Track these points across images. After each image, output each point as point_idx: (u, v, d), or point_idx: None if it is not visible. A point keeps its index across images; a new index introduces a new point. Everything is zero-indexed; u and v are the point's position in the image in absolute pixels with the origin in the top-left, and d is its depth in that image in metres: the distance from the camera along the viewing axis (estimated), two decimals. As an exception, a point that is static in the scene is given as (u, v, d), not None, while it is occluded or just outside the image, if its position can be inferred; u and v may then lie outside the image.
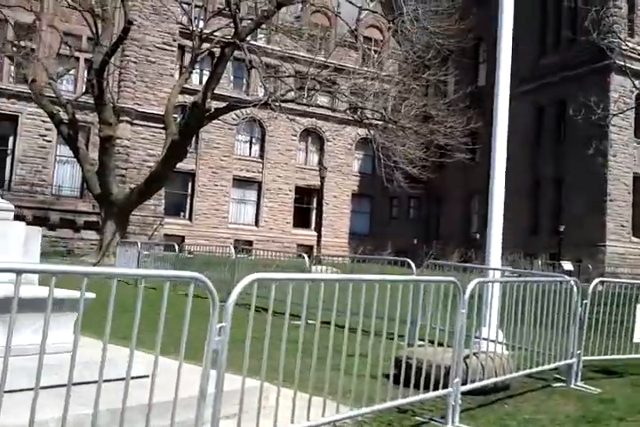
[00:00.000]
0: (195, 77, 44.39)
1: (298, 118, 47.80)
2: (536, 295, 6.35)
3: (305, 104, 24.04)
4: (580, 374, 6.38)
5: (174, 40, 38.85)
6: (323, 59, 24.45)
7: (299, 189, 50.23)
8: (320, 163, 50.92)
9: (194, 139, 45.81)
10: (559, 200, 38.23)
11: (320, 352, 6.49)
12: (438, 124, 21.80)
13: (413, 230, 49.57)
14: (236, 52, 26.23)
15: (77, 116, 25.01)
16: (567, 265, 29.37)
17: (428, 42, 22.54)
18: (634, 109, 36.01)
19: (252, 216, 48.51)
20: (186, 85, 33.84)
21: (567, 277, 6.39)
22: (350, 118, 27.16)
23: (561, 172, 37.69)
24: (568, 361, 6.32)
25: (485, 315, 7.15)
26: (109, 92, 31.72)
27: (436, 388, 5.15)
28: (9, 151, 35.22)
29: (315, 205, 50.97)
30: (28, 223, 21.50)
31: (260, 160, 48.58)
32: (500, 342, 6.48)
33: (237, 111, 39.57)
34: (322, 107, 31.83)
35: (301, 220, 50.08)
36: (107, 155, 23.25)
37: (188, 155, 45.03)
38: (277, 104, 21.14)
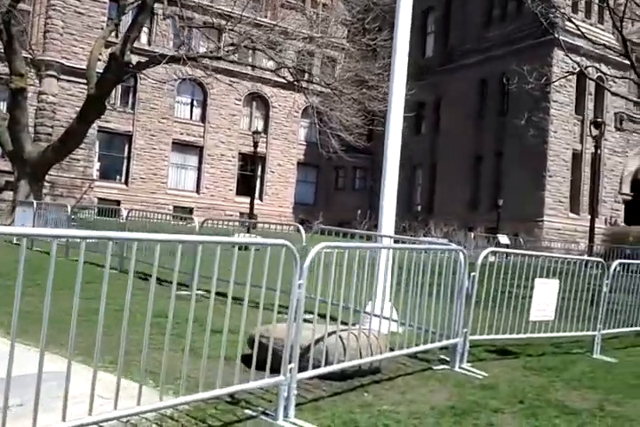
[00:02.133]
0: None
1: (242, 82, 46.39)
2: (422, 266, 5.55)
3: (223, 59, 22.55)
4: (465, 355, 5.65)
5: (106, -10, 36.39)
6: (249, 15, 23.05)
7: (243, 156, 48.75)
8: (265, 129, 49.51)
9: (130, 98, 43.81)
10: (499, 175, 38.15)
11: (180, 327, 5.59)
12: (373, 90, 20.84)
13: (358, 201, 48.98)
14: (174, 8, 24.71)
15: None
16: (503, 238, 29.23)
17: (367, 4, 21.40)
18: (574, 87, 36.00)
19: (193, 182, 46.88)
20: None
21: (454, 246, 5.60)
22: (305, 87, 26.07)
23: (502, 146, 37.52)
24: (452, 341, 5.58)
25: (375, 287, 6.37)
26: (25, 41, 29.55)
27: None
28: None
29: (259, 173, 49.67)
30: None
31: (201, 124, 46.76)
32: (385, 318, 5.69)
33: (177, 71, 37.72)
34: (261, 68, 30.38)
35: (245, 188, 48.81)
36: (19, 108, 21.45)
37: (125, 115, 43.20)
38: (197, 60, 19.73)
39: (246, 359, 4.31)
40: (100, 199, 41.32)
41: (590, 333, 6.89)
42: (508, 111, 37.32)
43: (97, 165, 42.87)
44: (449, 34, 45.30)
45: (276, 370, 4.12)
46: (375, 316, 5.60)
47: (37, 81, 34.74)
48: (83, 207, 24.30)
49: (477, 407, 4.39)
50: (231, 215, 45.17)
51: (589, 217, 30.01)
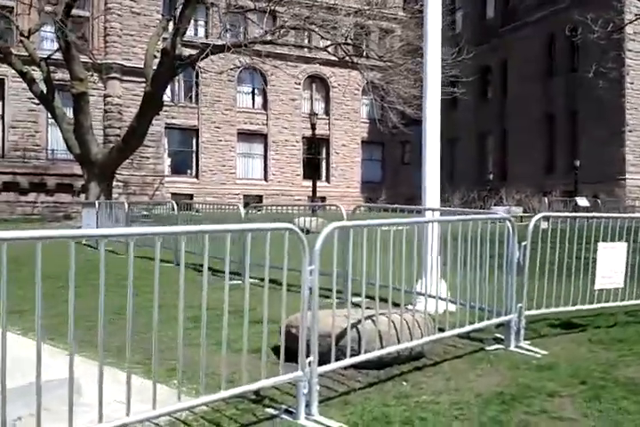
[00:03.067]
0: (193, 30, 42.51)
1: (300, 65, 46.09)
2: (469, 238, 5.11)
3: (274, 43, 22.25)
4: (522, 332, 5.16)
5: (158, -12, 36.82)
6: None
7: (307, 140, 48.66)
8: (326, 111, 49.16)
9: (194, 93, 44.52)
10: (575, 134, 36.10)
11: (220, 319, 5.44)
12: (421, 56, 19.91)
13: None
14: None
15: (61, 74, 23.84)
16: (582, 201, 27.71)
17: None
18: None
19: (261, 170, 47.28)
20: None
21: (503, 215, 5.10)
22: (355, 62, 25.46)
23: (575, 104, 35.42)
24: (506, 317, 5.11)
25: (425, 264, 5.98)
26: (86, 46, 30.40)
27: (322, 363, 4.03)
28: (-1, 117, 34.37)
29: (324, 155, 49.48)
30: (24, 190, 20.43)
31: (263, 112, 46.96)
32: (431, 297, 5.30)
33: (236, 62, 37.88)
34: (316, 48, 29.87)
35: (311, 171, 48.78)
36: (82, 112, 22.08)
37: (189, 110, 43.97)
38: (247, 46, 19.54)
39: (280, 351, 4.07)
40: (173, 194, 42.40)
41: (668, 298, 6.21)
42: (579, 67, 35.12)
43: (167, 160, 43.98)
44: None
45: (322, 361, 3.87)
46: (422, 295, 5.23)
47: (102, 84, 35.81)
48: (157, 203, 24.87)
49: (531, 392, 3.95)
50: (299, 200, 45.28)
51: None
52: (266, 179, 47.26)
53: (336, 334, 4.26)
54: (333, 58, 28.56)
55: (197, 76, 43.77)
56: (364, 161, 51.16)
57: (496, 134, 42.86)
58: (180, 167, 44.68)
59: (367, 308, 4.54)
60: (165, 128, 42.54)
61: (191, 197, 42.97)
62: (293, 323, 4.59)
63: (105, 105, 35.69)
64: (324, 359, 4.06)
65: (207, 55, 20.21)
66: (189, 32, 40.65)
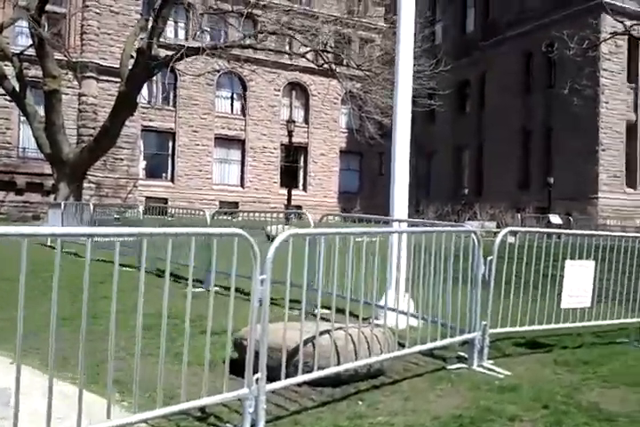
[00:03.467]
0: (169, 30, 42.13)
1: (280, 71, 46.01)
2: (433, 251, 4.93)
3: (253, 48, 22.07)
4: (485, 351, 4.98)
5: (138, -13, 36.44)
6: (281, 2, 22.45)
7: (285, 147, 48.48)
8: (305, 119, 49.10)
9: (172, 96, 44.08)
10: (550, 151, 36.49)
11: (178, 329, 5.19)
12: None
13: (403, 187, 47.95)
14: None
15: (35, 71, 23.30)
16: (555, 218, 27.92)
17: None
18: (626, 53, 33.91)
19: (237, 176, 46.92)
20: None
21: (468, 228, 4.95)
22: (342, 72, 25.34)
23: (551, 121, 35.83)
24: (469, 335, 4.93)
25: (389, 276, 5.79)
26: (63, 44, 29.86)
27: (275, 379, 3.81)
28: (-32, 113, 33.49)
29: (302, 163, 49.35)
30: None
31: (242, 117, 46.67)
32: (391, 310, 5.11)
33: (215, 65, 37.64)
34: (294, 54, 29.75)
35: (288, 179, 48.58)
36: (54, 111, 21.59)
37: (167, 113, 43.50)
38: (224, 49, 19.33)
39: (234, 365, 3.85)
40: (147, 198, 41.82)
41: (637, 319, 6.10)
42: (556, 83, 35.59)
43: (142, 163, 43.39)
44: (489, 6, 43.56)
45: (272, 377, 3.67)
46: (385, 309, 5.04)
47: (77, 83, 35.21)
48: (127, 206, 24.44)
49: (491, 415, 3.76)
50: (275, 207, 45.01)
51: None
52: (242, 185, 46.95)
53: (290, 349, 4.04)
54: (313, 66, 28.67)
55: (176, 79, 43.41)
56: (342, 171, 51.13)
57: (472, 148, 43.16)
58: (155, 171, 44.14)
59: (326, 320, 4.33)
60: (142, 130, 42.00)
61: (166, 201, 42.40)
62: (245, 335, 4.36)
63: (80, 104, 35.09)
64: (276, 375, 3.84)
65: (182, 57, 19.95)
66: (170, 34, 40.45)
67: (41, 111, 22.93)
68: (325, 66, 21.26)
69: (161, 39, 26.22)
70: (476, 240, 4.84)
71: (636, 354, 5.61)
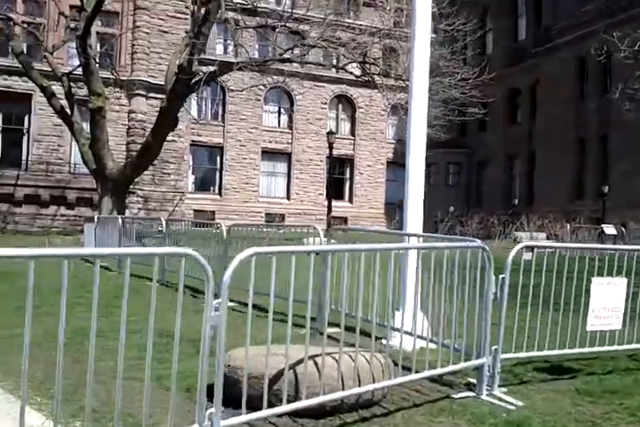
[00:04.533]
0: (219, 47, 42.92)
1: (327, 85, 46.07)
2: (440, 268, 4.54)
3: (290, 61, 21.97)
4: (497, 378, 4.52)
5: (187, 7, 37.10)
6: (319, 16, 22.40)
7: (331, 159, 48.37)
8: (352, 131, 48.95)
9: (220, 112, 44.69)
10: (605, 159, 35.02)
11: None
12: (448, 77, 19.45)
13: (452, 198, 47.01)
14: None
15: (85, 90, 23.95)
16: (609, 229, 26.61)
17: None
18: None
19: (284, 189, 47.07)
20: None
21: (477, 243, 4.51)
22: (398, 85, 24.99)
23: (607, 128, 34.40)
24: (478, 361, 4.48)
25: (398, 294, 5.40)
26: (114, 63, 30.68)
27: (255, 408, 3.50)
28: (24, 131, 34.84)
29: (348, 175, 49.18)
30: (45, 203, 20.46)
31: (289, 131, 46.91)
32: (396, 330, 4.73)
33: (264, 81, 37.99)
34: (335, 67, 29.63)
35: (334, 191, 48.40)
36: (98, 127, 22.05)
37: (215, 127, 44.10)
38: (264, 64, 19.29)
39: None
40: (195, 211, 42.40)
41: (677, 343, 5.49)
42: (611, 90, 34.20)
43: (191, 177, 44.09)
44: (542, 13, 42.45)
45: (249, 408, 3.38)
46: (389, 329, 4.66)
47: (127, 100, 36.13)
48: (174, 220, 24.66)
49: (488, 456, 3.33)
50: (321, 219, 44.85)
51: None
52: (288, 198, 47.06)
53: (272, 376, 3.72)
54: (360, 78, 28.38)
55: (224, 95, 44.08)
56: (389, 182, 50.66)
57: (524, 158, 41.95)
58: (203, 184, 44.77)
59: (335, 340, 3.99)
60: (191, 145, 42.75)
61: (213, 213, 42.91)
62: (227, 360, 4.06)
63: (129, 121, 35.96)
64: (255, 405, 3.53)
65: (217, 73, 20.00)
66: (218, 51, 41.11)
67: (87, 128, 23.50)
68: (365, 77, 20.97)
69: (208, 55, 26.68)
70: (486, 257, 4.40)
71: (674, 382, 5.00)
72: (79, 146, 23.51)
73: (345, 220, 46.06)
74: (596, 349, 5.02)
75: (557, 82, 38.09)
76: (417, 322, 4.97)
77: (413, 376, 4.20)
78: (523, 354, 4.70)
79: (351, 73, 22.54)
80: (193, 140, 43.31)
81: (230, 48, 44.95)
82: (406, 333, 4.99)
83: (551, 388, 4.68)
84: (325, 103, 47.52)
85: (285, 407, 3.58)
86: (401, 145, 49.15)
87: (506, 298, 4.42)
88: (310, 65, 40.67)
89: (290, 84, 45.13)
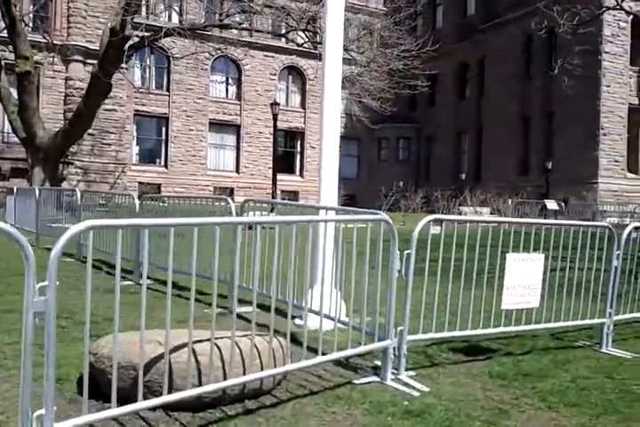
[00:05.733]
0: (166, 14, 41.14)
1: (276, 55, 45.01)
2: (345, 243, 4.14)
3: (225, 27, 21.06)
4: (403, 362, 4.18)
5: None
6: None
7: (282, 133, 47.65)
8: (302, 104, 48.20)
9: (164, 80, 43.15)
10: (550, 136, 35.43)
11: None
12: (391, 48, 19.00)
13: (402, 173, 47.02)
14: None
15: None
16: (551, 204, 27.05)
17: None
18: (629, 36, 32.65)
19: (233, 162, 46.16)
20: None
21: (381, 216, 4.12)
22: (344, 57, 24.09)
23: (551, 105, 34.71)
24: (381, 343, 4.12)
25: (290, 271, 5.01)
26: (49, 27, 28.98)
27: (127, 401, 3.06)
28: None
29: (299, 148, 48.56)
30: None
31: (237, 102, 45.80)
32: (314, 313, 4.35)
33: (210, 49, 36.75)
34: (277, 35, 28.69)
35: (285, 165, 47.77)
36: (27, 93, 20.81)
37: (160, 97, 42.60)
38: (197, 30, 18.38)
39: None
40: (140, 183, 41.20)
41: (597, 320, 5.28)
42: (561, 70, 34.35)
43: (136, 148, 42.69)
44: (490, -12, 42.22)
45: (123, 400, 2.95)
46: (296, 307, 4.26)
47: (64, 67, 34.40)
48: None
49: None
50: (270, 193, 44.32)
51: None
52: (238, 171, 46.21)
53: (143, 366, 3.27)
54: (302, 47, 27.65)
55: (169, 64, 42.60)
56: (340, 156, 50.18)
57: (472, 133, 42.12)
58: (148, 156, 43.47)
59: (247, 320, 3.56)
60: (135, 115, 41.25)
61: (159, 186, 41.80)
62: (97, 348, 3.59)
63: (66, 88, 34.29)
64: (127, 397, 3.09)
65: (156, 38, 19.02)
66: (164, 18, 39.43)
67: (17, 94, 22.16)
68: (306, 46, 20.30)
69: (151, 21, 25.39)
70: (390, 231, 4.02)
71: (593, 362, 4.79)
72: (7, 113, 22.23)
73: (296, 193, 45.65)
74: (512, 328, 4.74)
75: (504, 58, 38.11)
76: (326, 300, 4.59)
77: (311, 361, 3.81)
78: (431, 335, 4.37)
79: (292, 40, 21.79)
80: (137, 110, 41.84)
81: (176, 16, 43.34)
82: (312, 311, 4.62)
83: (463, 371, 4.39)
84: (275, 74, 46.53)
85: (154, 401, 3.15)
86: (351, 120, 48.77)
87: (412, 275, 4.06)
88: (259, 33, 39.57)
89: (237, 53, 44.00)
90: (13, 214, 12.46)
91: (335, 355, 3.97)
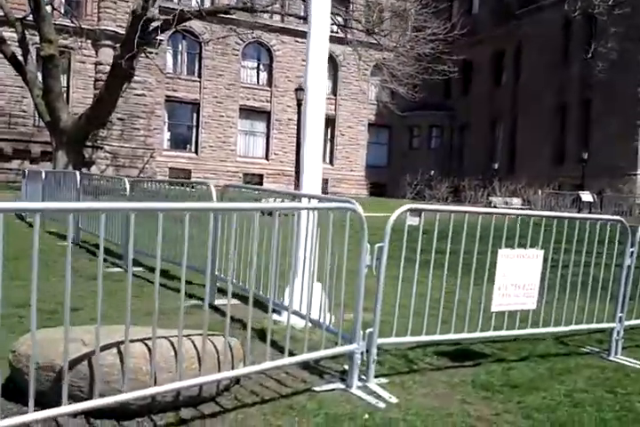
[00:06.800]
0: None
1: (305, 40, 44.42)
2: (317, 234, 3.71)
3: (250, 11, 20.56)
4: (372, 368, 3.73)
5: (159, -48, 35.03)
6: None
7: (314, 120, 47.05)
8: (334, 90, 47.56)
9: (196, 66, 43.03)
10: (587, 125, 34.09)
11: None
12: (417, 32, 18.28)
13: (434, 162, 46.05)
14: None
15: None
16: (586, 196, 26.02)
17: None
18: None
19: (262, 149, 45.96)
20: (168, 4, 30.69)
21: (348, 205, 3.66)
22: (371, 42, 23.45)
23: (589, 93, 33.36)
24: (347, 347, 3.69)
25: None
26: (80, 11, 28.97)
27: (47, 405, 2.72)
28: (-16, 80, 33.18)
29: (329, 136, 48.05)
30: (8, 156, 19.26)
31: (268, 88, 45.48)
32: (298, 314, 3.95)
33: (240, 34, 36.40)
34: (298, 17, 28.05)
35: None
36: (51, 77, 20.76)
37: (191, 83, 42.51)
38: (216, 13, 17.99)
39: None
40: (170, 169, 41.34)
41: (606, 324, 4.74)
42: (596, 53, 33.00)
43: (167, 134, 42.80)
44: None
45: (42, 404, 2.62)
46: (251, 304, 3.85)
47: (94, 52, 34.48)
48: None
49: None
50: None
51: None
52: (267, 158, 46.01)
53: (65, 367, 2.91)
54: (342, 36, 26.85)
55: (201, 49, 42.50)
56: (370, 144, 49.61)
57: (507, 122, 40.91)
58: (179, 142, 43.60)
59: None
60: (166, 101, 41.28)
61: (189, 172, 41.88)
62: (16, 345, 3.24)
63: (96, 73, 34.36)
64: (49, 402, 2.75)
65: (180, 21, 18.68)
66: (194, 2, 39.20)
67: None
68: (338, 31, 19.71)
69: (180, 6, 25.05)
70: (360, 221, 3.56)
71: (595, 373, 4.27)
72: (33, 97, 22.26)
73: (325, 181, 45.24)
74: (502, 333, 4.24)
75: (541, 45, 36.76)
76: (299, 295, 4.17)
77: (264, 365, 3.40)
78: (406, 339, 3.91)
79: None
80: (168, 96, 41.87)
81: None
82: (283, 307, 4.22)
83: (444, 379, 3.92)
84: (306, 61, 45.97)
85: (73, 407, 2.79)
86: (383, 107, 47.90)
87: (383, 272, 3.60)
88: (291, 19, 38.99)
89: (269, 39, 43.50)
90: (25, 196, 12.36)
91: (295, 358, 3.56)
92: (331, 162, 48.13)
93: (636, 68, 30.63)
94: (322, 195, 4.71)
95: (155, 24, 19.57)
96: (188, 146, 43.91)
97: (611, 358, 4.65)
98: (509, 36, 40.39)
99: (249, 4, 19.87)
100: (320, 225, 4.16)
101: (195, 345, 3.16)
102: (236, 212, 3.76)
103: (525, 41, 38.96)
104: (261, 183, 42.82)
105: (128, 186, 7.00)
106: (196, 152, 43.73)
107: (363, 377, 3.72)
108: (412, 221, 3.61)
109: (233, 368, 3.34)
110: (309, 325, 3.94)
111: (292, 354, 3.64)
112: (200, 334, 3.27)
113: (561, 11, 35.24)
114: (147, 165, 35.83)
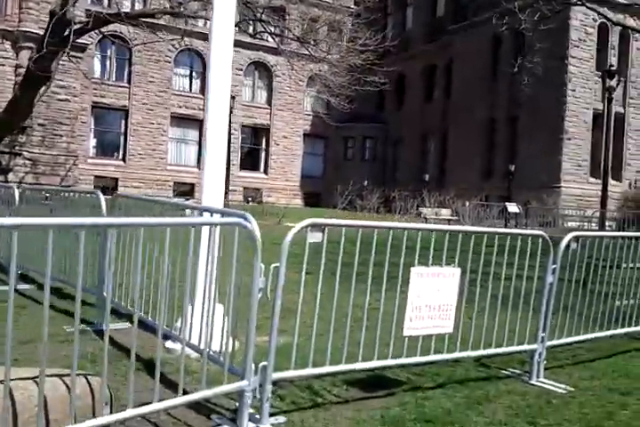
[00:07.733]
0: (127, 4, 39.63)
1: (242, 50, 43.82)
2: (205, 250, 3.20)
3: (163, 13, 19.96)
4: (266, 406, 3.25)
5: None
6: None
7: (245, 129, 46.62)
8: (269, 100, 47.19)
9: (125, 72, 41.68)
10: (514, 140, 35.04)
11: None
12: (349, 42, 18.14)
13: (368, 173, 46.27)
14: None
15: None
16: (512, 207, 26.52)
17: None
18: (595, 41, 32.39)
19: (194, 157, 44.91)
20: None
21: (237, 219, 3.20)
22: (304, 53, 23.06)
23: (516, 109, 34.31)
24: (236, 385, 3.20)
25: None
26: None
27: None
28: None
29: (264, 146, 47.55)
30: None
31: (201, 96, 44.51)
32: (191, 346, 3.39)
33: (174, 42, 35.48)
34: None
35: (250, 161, 46.71)
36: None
37: (120, 89, 41.10)
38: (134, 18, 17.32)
39: None
40: (96, 177, 39.74)
41: (527, 346, 4.44)
42: (523, 70, 33.99)
43: (93, 141, 41.18)
44: (460, -11, 41.76)
45: None
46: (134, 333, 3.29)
47: (14, 54, 32.79)
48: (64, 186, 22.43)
49: None
50: (234, 190, 43.23)
51: (612, 182, 27.05)
52: (199, 167, 44.88)
53: None
54: (281, 46, 26.43)
55: (131, 55, 41.27)
56: (306, 155, 49.43)
57: (437, 136, 41.64)
58: (106, 149, 42.02)
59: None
60: (93, 107, 39.74)
61: (116, 180, 40.39)
62: None
63: (16, 76, 32.60)
64: None
65: (96, 26, 17.82)
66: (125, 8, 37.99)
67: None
68: (259, 36, 19.33)
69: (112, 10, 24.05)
70: (250, 237, 3.09)
71: (516, 400, 3.93)
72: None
73: (258, 191, 44.57)
74: (416, 359, 3.85)
75: (472, 60, 37.64)
76: (192, 322, 3.65)
77: (125, 413, 2.84)
78: (303, 372, 3.45)
79: (255, 35, 20.77)
80: (95, 102, 40.37)
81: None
82: (177, 338, 3.68)
83: (350, 414, 3.48)
84: (241, 69, 45.44)
85: None
86: (318, 118, 47.83)
87: (280, 295, 3.13)
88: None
89: (202, 46, 42.69)
90: None
91: (172, 401, 3.02)
92: (265, 171, 47.72)
93: (559, 84, 31.71)
94: (216, 208, 4.20)
95: (77, 26, 18.61)
96: (116, 154, 42.42)
97: (532, 382, 4.34)
98: (441, 51, 41.18)
99: (177, 9, 19.21)
100: (223, 241, 3.66)
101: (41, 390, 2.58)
102: (116, 227, 3.22)
103: (456, 56, 39.80)
104: (192, 192, 41.82)
105: (17, 194, 6.28)
106: (124, 160, 42.29)
107: (257, 416, 3.23)
108: (314, 237, 3.16)
109: (94, 415, 2.78)
110: (194, 355, 3.42)
111: (177, 391, 3.11)
112: (61, 375, 2.71)
113: (492, 27, 36.21)
114: (69, 173, 34.21)
